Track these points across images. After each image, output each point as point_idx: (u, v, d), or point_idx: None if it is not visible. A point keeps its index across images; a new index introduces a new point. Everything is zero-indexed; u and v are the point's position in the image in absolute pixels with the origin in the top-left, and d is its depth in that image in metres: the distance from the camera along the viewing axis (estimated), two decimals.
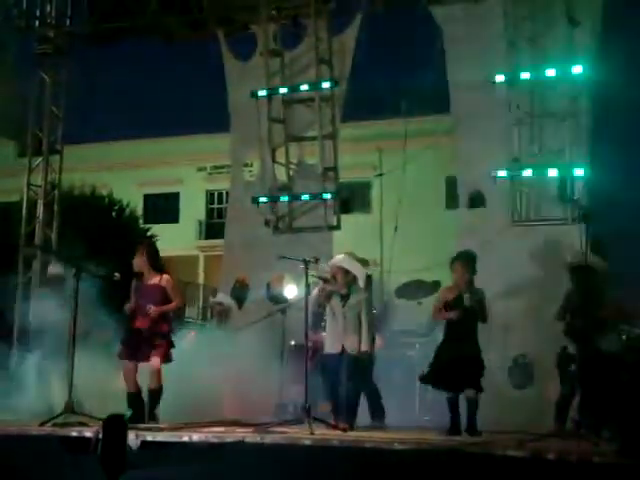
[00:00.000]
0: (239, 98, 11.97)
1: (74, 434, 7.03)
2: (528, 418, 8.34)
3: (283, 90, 11.64)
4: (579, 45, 9.73)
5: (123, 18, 12.38)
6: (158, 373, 8.32)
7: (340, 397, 8.02)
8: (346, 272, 8.24)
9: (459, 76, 10.48)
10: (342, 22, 11.67)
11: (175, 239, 26.65)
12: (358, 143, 20.80)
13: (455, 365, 7.73)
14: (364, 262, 8.79)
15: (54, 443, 6.90)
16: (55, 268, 10.19)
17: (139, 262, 8.60)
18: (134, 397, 8.37)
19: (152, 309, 8.32)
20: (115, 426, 4.83)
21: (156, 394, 8.37)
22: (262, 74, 11.67)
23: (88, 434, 6.82)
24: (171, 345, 8.49)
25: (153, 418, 8.27)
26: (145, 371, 8.45)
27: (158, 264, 8.75)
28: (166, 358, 8.40)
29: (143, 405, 8.38)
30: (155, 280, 8.54)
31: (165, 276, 8.62)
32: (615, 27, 9.56)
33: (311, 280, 8.11)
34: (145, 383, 8.44)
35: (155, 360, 8.31)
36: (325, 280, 8.31)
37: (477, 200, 10.45)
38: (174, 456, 6.80)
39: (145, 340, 8.39)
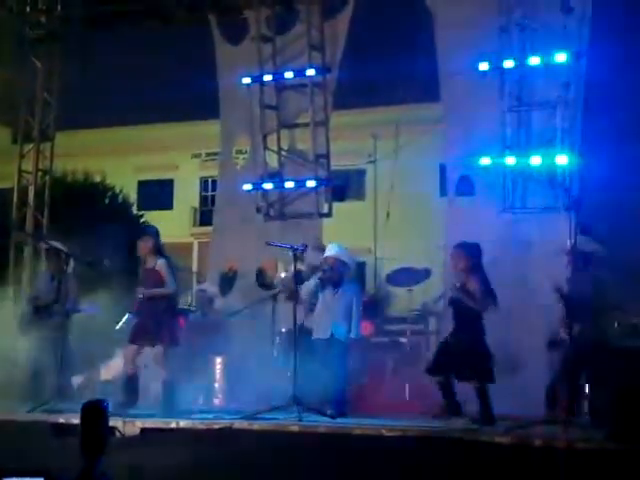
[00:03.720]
0: (230, 84, 11.89)
1: (62, 420, 7.04)
2: (518, 405, 8.32)
3: (273, 76, 11.52)
4: (571, 32, 9.66)
5: (117, 1, 12.26)
6: (163, 361, 8.22)
7: (328, 383, 8.02)
8: (343, 263, 8.32)
9: (449, 62, 10.39)
10: (335, 7, 11.60)
11: (169, 226, 26.49)
12: (352, 130, 20.72)
13: (453, 355, 7.66)
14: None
15: (42, 429, 6.92)
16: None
17: (142, 246, 8.44)
18: (129, 380, 8.28)
19: (143, 293, 8.24)
20: (94, 411, 4.83)
21: (168, 384, 8.20)
22: (254, 60, 11.60)
23: (75, 421, 6.81)
24: (175, 330, 8.43)
25: (171, 410, 7.97)
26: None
27: (160, 248, 8.53)
28: (171, 344, 8.28)
29: (137, 389, 8.29)
30: (152, 264, 8.39)
31: (160, 260, 8.34)
32: (605, 13, 9.48)
33: (302, 267, 8.15)
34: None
35: (158, 348, 8.24)
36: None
37: (466, 188, 10.39)
38: (162, 442, 6.82)
39: (147, 326, 8.29)
